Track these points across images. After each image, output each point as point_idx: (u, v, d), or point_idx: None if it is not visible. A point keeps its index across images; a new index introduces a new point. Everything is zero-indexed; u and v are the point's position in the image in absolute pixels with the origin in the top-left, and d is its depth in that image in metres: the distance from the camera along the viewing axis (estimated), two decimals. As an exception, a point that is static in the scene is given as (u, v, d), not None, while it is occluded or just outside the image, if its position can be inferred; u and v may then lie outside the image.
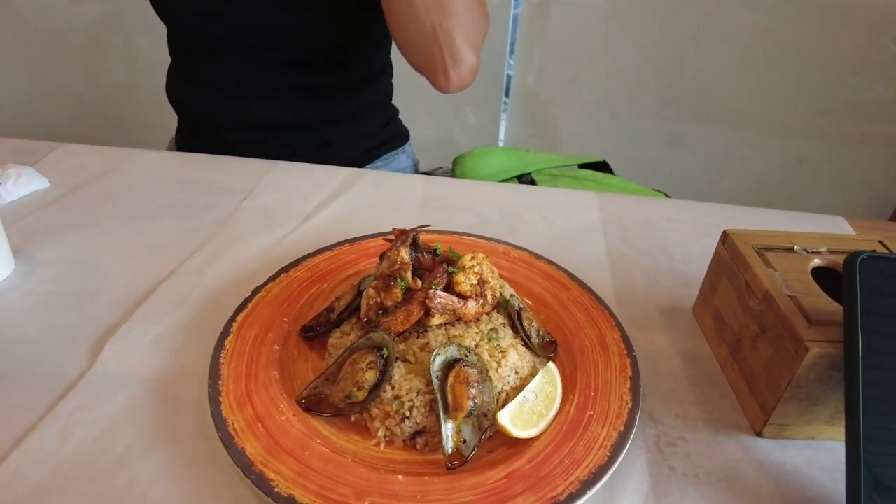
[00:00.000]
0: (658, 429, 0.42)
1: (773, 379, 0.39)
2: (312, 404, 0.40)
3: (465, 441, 0.37)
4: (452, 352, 0.40)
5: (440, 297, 0.41)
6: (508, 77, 1.60)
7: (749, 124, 1.53)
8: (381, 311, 0.42)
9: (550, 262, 0.54)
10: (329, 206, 0.66)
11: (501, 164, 0.93)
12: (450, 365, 0.39)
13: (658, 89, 1.55)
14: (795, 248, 0.46)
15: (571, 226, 0.64)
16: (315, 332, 0.46)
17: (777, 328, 0.39)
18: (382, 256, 0.46)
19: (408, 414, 0.38)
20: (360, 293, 0.46)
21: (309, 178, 0.71)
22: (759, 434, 0.41)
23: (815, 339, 0.37)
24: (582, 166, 0.96)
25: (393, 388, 0.39)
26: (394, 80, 0.91)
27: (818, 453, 0.40)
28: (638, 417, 0.39)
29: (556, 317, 0.49)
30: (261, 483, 0.34)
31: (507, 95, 1.63)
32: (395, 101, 0.93)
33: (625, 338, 0.46)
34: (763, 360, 0.41)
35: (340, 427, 0.39)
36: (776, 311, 0.40)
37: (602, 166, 0.97)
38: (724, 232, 0.48)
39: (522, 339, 0.45)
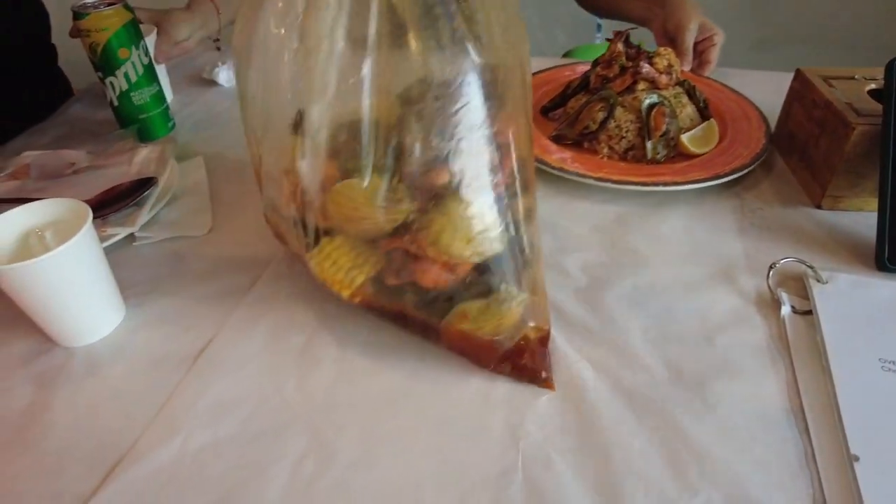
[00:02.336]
0: (742, 202, 0.57)
1: (829, 160, 0.54)
2: (557, 139, 0.66)
3: (658, 153, 0.62)
4: (654, 98, 0.62)
5: (645, 68, 0.64)
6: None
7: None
8: (604, 81, 0.65)
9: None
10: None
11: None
12: (652, 106, 0.62)
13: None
14: (856, 76, 0.60)
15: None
16: (555, 104, 0.71)
17: (833, 123, 0.54)
18: (596, 62, 0.69)
19: (624, 135, 0.63)
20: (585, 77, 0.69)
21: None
22: (818, 206, 0.56)
23: (861, 123, 0.51)
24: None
25: (615, 120, 0.63)
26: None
27: (864, 217, 0.55)
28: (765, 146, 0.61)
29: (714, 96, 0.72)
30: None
31: None
32: None
33: (759, 113, 0.68)
34: (822, 151, 0.56)
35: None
36: (833, 111, 0.54)
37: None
38: (797, 69, 0.62)
39: (694, 103, 0.67)
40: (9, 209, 0.44)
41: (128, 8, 0.65)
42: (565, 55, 1.33)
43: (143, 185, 0.57)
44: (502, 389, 0.40)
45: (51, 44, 0.91)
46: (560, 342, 0.43)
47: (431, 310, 0.40)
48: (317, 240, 0.40)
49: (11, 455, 0.38)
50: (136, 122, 0.69)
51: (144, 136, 0.70)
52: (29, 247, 0.44)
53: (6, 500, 0.36)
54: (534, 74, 0.76)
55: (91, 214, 0.43)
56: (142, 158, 0.63)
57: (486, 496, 0.34)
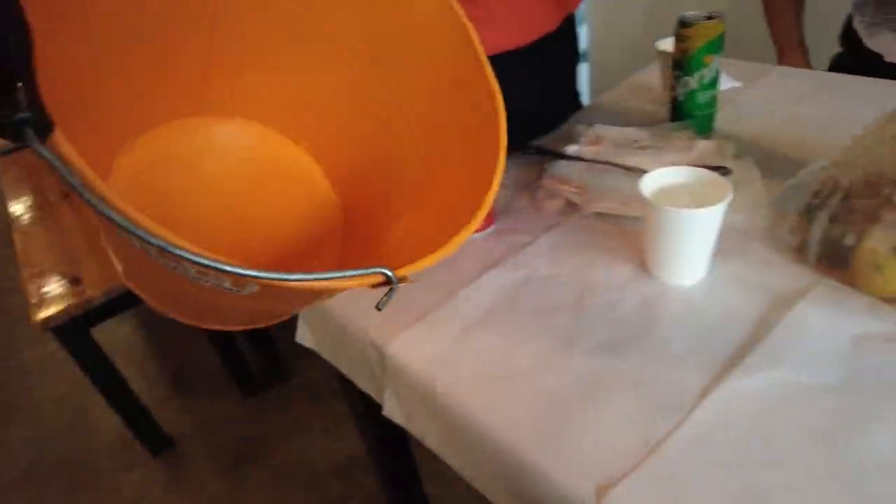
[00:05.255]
0: None
1: None
2: None
3: None
4: None
5: None
6: None
7: None
8: None
9: None
10: None
11: None
12: None
13: None
14: None
15: None
16: None
17: None
18: None
19: None
20: None
21: None
22: None
23: None
24: None
25: None
26: None
27: None
28: None
29: None
30: None
31: None
32: None
33: None
34: None
35: None
36: None
37: None
38: None
39: None
40: (601, 168, 0.58)
41: (723, 22, 0.76)
42: None
43: (717, 170, 0.68)
44: None
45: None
46: None
47: None
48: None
49: (634, 350, 0.52)
50: (693, 117, 0.81)
51: (697, 129, 0.81)
52: (669, 200, 0.57)
53: (636, 387, 0.49)
54: None
55: (731, 188, 0.53)
56: (701, 148, 0.75)
57: None
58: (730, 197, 0.52)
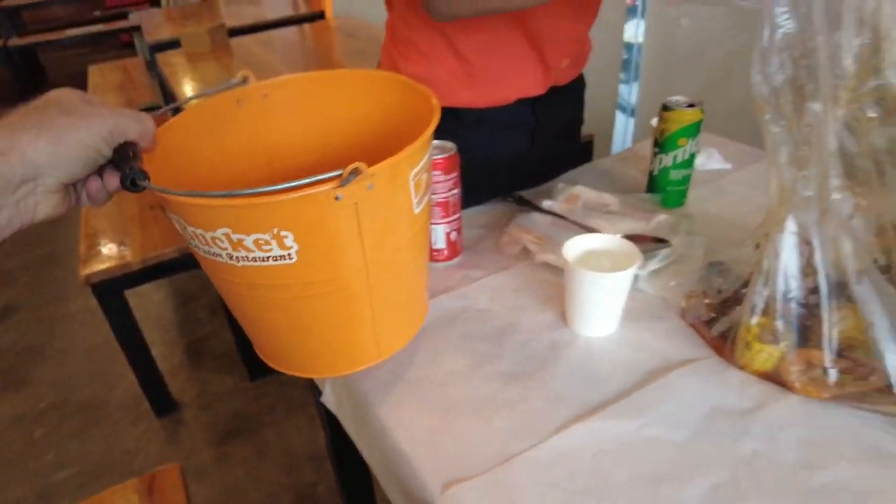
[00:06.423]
0: None
1: None
2: None
3: None
4: None
5: None
6: None
7: None
8: None
9: None
10: None
11: None
12: None
13: None
14: None
15: None
16: None
17: None
18: None
19: None
20: None
21: None
22: None
23: None
24: None
25: None
26: None
27: None
28: None
29: None
30: None
31: None
32: None
33: None
34: None
35: None
36: None
37: None
38: None
39: None
40: (564, 224, 0.67)
41: (702, 112, 0.84)
42: None
43: (657, 243, 0.75)
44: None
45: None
46: None
47: None
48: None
49: (527, 382, 0.60)
50: (664, 191, 0.89)
51: (664, 203, 0.89)
52: (589, 262, 0.65)
53: (513, 411, 0.57)
54: None
55: (641, 258, 0.61)
56: (659, 221, 0.82)
57: None
58: (635, 268, 0.60)
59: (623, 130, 2.17)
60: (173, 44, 2.69)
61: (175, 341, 2.04)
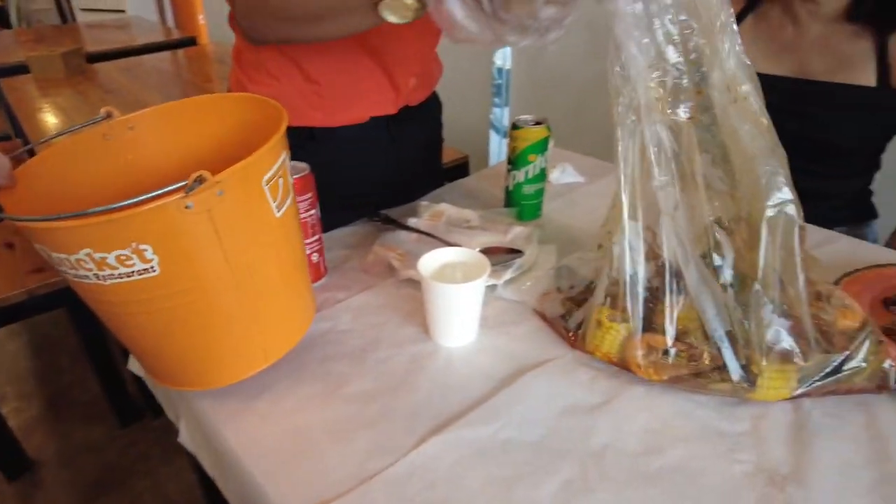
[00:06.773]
0: None
1: None
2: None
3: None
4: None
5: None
6: None
7: None
8: None
9: None
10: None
11: None
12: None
13: None
14: None
15: None
16: None
17: None
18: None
19: None
20: None
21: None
22: None
23: None
24: None
25: None
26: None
27: None
28: None
29: None
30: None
31: None
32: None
33: None
34: None
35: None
36: None
37: None
38: None
39: None
40: (428, 240, 0.68)
41: (549, 129, 0.89)
42: None
43: (512, 253, 0.79)
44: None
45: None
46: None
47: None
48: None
49: (387, 398, 0.60)
50: (519, 205, 0.93)
51: (520, 216, 0.93)
52: (444, 275, 0.67)
53: (373, 430, 0.57)
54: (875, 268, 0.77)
55: (490, 267, 0.64)
56: (515, 233, 0.86)
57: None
58: (484, 277, 0.62)
59: (497, 150, 2.26)
60: (22, 68, 2.47)
61: (32, 393, 1.84)
